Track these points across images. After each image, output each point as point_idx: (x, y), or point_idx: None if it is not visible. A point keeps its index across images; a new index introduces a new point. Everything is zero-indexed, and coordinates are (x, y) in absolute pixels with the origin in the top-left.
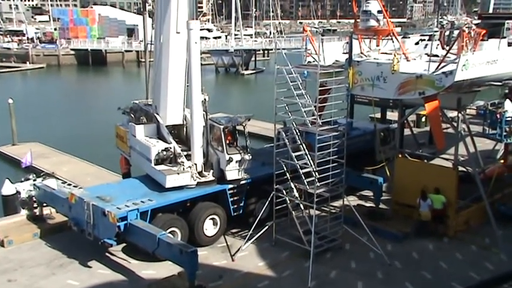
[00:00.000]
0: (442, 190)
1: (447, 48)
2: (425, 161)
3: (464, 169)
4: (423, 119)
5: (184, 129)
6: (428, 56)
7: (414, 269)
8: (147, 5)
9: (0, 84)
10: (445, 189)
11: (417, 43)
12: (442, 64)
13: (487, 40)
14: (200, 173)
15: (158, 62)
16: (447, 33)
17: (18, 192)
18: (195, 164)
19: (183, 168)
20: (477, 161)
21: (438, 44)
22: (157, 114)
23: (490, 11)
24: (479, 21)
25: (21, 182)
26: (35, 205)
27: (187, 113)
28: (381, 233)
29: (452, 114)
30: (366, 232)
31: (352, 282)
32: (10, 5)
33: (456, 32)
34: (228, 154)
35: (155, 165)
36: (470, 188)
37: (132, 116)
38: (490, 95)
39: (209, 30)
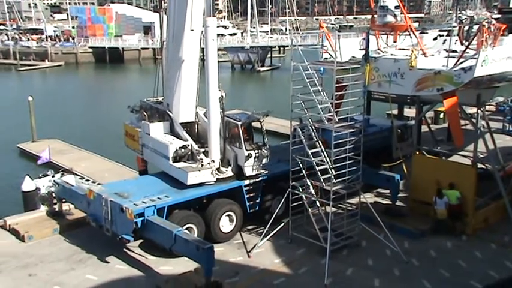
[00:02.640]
0: (461, 187)
1: (466, 43)
2: (444, 158)
3: (483, 166)
4: (441, 116)
5: (196, 126)
6: (447, 51)
7: (432, 267)
8: (163, 2)
9: (20, 82)
10: (464, 186)
11: (435, 38)
12: (461, 60)
13: (508, 35)
14: (218, 170)
15: (171, 59)
16: (466, 28)
17: (38, 189)
18: (213, 161)
19: (202, 165)
20: (497, 158)
21: (457, 40)
22: (170, 111)
23: (511, 5)
24: (499, 15)
25: (40, 178)
26: (55, 201)
27: (199, 110)
28: (398, 230)
29: (472, 110)
30: (382, 229)
31: (368, 280)
32: (29, 4)
33: (476, 27)
34: (247, 150)
35: (173, 162)
36: (490, 185)
37: (145, 114)
38: (510, 91)
39: (225, 27)
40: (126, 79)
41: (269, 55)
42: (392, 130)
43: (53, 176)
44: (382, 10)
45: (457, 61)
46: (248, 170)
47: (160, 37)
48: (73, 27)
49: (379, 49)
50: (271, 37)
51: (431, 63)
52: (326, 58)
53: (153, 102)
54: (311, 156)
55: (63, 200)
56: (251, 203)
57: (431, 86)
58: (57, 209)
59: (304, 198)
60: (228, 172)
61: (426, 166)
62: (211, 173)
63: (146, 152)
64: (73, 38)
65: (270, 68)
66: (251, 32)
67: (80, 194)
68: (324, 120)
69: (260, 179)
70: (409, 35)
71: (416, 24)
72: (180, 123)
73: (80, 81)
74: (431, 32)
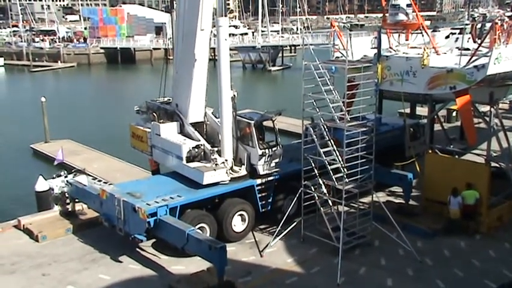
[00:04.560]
0: (474, 186)
1: (479, 41)
2: (457, 156)
3: (497, 165)
4: (454, 114)
5: (205, 126)
6: (459, 49)
7: (445, 266)
8: (175, 3)
9: (33, 83)
10: (477, 185)
11: (448, 37)
12: (474, 58)
13: None
14: (232, 169)
15: (181, 59)
16: (479, 26)
17: (51, 189)
18: (226, 160)
19: (216, 165)
20: (510, 157)
21: (469, 38)
22: (180, 112)
23: None
24: None
25: (53, 178)
26: (68, 201)
27: (207, 110)
28: (411, 229)
29: (485, 108)
30: (395, 229)
31: (381, 279)
32: (42, 6)
33: (488, 25)
34: (260, 149)
35: (187, 162)
36: (503, 184)
37: (154, 115)
38: None
39: (236, 27)
40: (137, 79)
41: (280, 54)
42: (405, 129)
43: (65, 177)
44: (394, 8)
45: (470, 59)
46: (261, 169)
47: (172, 37)
48: (85, 28)
49: (390, 48)
50: (282, 36)
51: (443, 61)
52: (338, 57)
53: (160, 103)
54: (323, 155)
55: (76, 200)
56: (263, 202)
57: (444, 84)
58: (70, 209)
59: (317, 198)
60: (242, 171)
61: (439, 165)
62: (226, 172)
63: (156, 152)
64: (85, 39)
65: (281, 67)
66: (262, 31)
67: (93, 194)
68: (335, 119)
69: (272, 178)
70: (421, 33)
71: (428, 23)
72: (190, 123)
73: (92, 82)
74: (443, 30)
